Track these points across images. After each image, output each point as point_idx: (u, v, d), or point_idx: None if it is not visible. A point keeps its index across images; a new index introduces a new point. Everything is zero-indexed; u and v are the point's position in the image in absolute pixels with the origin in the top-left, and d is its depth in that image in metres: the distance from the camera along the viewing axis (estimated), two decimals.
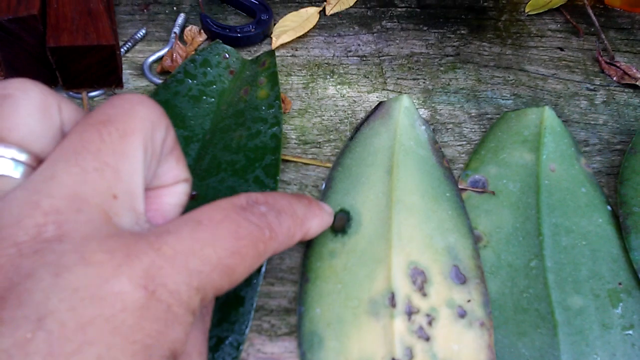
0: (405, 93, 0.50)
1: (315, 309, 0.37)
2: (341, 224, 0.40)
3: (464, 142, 0.48)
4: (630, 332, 0.38)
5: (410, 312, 0.36)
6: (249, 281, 0.37)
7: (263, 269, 0.37)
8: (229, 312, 0.36)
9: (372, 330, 0.35)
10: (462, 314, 0.36)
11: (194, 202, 0.40)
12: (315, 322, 0.36)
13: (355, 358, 0.34)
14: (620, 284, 0.40)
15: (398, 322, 0.35)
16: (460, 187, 0.44)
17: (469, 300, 0.37)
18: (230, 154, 0.42)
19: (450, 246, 0.39)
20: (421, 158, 0.42)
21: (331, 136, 0.47)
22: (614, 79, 0.53)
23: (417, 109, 0.46)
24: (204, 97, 0.46)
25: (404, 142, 0.42)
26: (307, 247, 0.40)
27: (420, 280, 0.37)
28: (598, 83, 0.53)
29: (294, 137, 0.47)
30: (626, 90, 0.53)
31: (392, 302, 0.36)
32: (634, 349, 0.37)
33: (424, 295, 0.36)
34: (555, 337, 0.37)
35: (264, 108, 0.44)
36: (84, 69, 0.45)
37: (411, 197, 0.40)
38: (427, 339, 0.35)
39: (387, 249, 0.37)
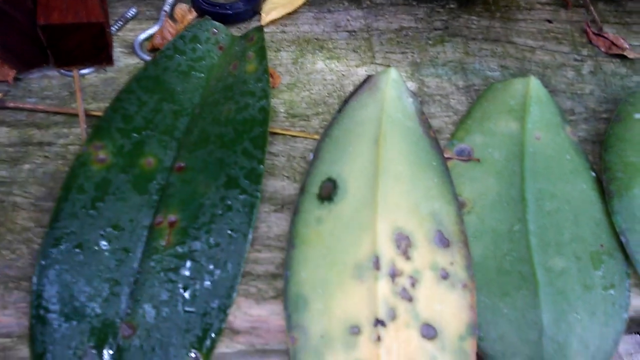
0: (394, 66, 0.51)
1: (301, 273, 0.38)
2: (327, 192, 0.41)
3: (451, 113, 0.48)
4: (612, 291, 0.38)
5: (394, 275, 0.36)
6: (232, 249, 0.38)
7: (250, 237, 0.38)
8: (215, 278, 0.37)
9: (357, 292, 0.36)
10: (445, 276, 0.37)
11: (182, 173, 0.41)
12: (301, 285, 0.37)
13: (339, 318, 0.35)
14: (602, 246, 0.40)
15: (382, 284, 0.36)
16: (446, 156, 0.44)
17: (452, 263, 0.37)
18: (219, 126, 0.43)
19: (434, 212, 0.39)
20: (408, 129, 0.43)
21: (319, 109, 0.48)
22: (602, 49, 0.53)
23: (404, 81, 0.46)
24: (193, 73, 0.47)
25: (391, 114, 0.43)
26: (294, 214, 0.40)
27: (404, 244, 0.37)
28: (585, 54, 0.53)
29: (282, 110, 0.47)
30: (614, 60, 0.53)
31: (377, 266, 0.36)
32: (614, 307, 0.38)
33: (408, 258, 0.37)
34: (536, 297, 0.37)
35: (252, 82, 0.45)
36: (74, 47, 0.46)
37: (397, 166, 0.41)
38: (410, 299, 0.36)
39: (373, 215, 0.38)
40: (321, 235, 0.39)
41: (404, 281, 0.36)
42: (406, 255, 0.37)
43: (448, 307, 0.36)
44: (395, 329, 0.35)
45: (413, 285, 0.36)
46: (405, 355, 0.34)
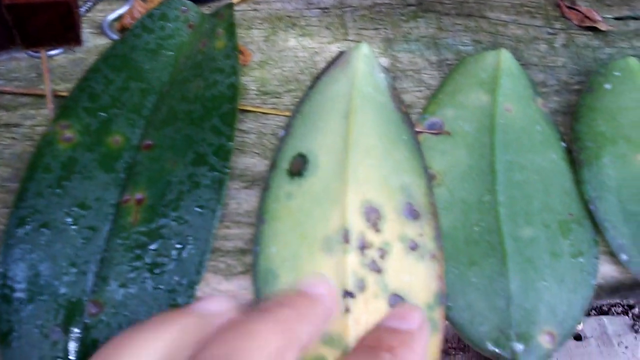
0: (365, 42, 0.51)
1: (270, 248, 0.38)
2: (298, 168, 0.40)
3: (423, 88, 0.48)
4: (580, 259, 0.39)
5: (363, 247, 0.36)
6: (200, 225, 0.37)
7: (218, 213, 0.38)
8: (183, 254, 0.37)
9: (326, 265, 0.36)
10: (414, 247, 0.37)
11: (150, 151, 0.41)
12: (270, 260, 0.37)
13: None
14: (571, 215, 0.40)
15: (351, 257, 0.36)
16: (417, 130, 0.44)
17: (421, 235, 0.37)
18: (187, 104, 0.43)
19: (404, 185, 0.39)
20: (379, 103, 0.42)
21: (291, 86, 0.47)
22: (575, 22, 0.53)
23: (376, 57, 0.46)
24: (162, 51, 0.46)
25: (362, 89, 0.42)
26: (264, 190, 0.40)
27: (374, 217, 0.37)
28: (558, 27, 0.53)
29: (253, 88, 0.47)
30: (586, 33, 0.53)
31: (346, 239, 0.36)
32: (583, 274, 0.38)
33: (378, 231, 0.37)
34: (504, 266, 0.38)
35: (221, 59, 0.44)
36: (41, 27, 0.45)
37: (368, 140, 0.40)
38: (379, 271, 0.36)
39: (343, 188, 0.38)
40: (291, 210, 0.39)
41: (373, 253, 0.36)
42: (376, 228, 0.37)
43: (417, 277, 0.36)
44: (364, 300, 0.35)
45: (382, 257, 0.36)
46: (373, 325, 0.34)
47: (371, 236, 0.37)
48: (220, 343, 0.23)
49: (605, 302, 1.03)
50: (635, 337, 0.98)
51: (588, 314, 1.03)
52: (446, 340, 1.05)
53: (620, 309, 1.04)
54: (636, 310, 1.03)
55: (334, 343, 0.34)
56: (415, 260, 0.37)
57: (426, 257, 0.37)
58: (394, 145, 0.41)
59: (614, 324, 1.00)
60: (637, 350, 0.97)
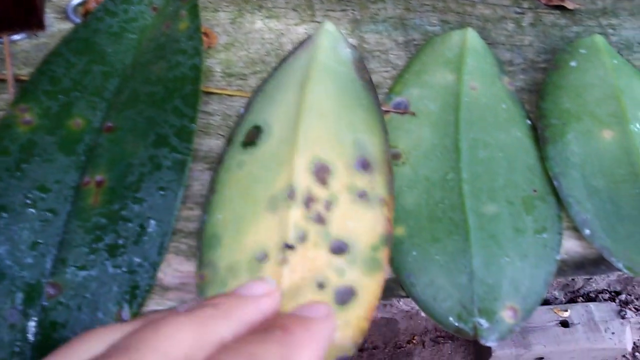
0: (334, 24, 0.50)
1: (217, 215, 0.37)
2: (252, 138, 0.40)
3: (390, 68, 0.48)
4: (544, 235, 0.39)
5: (308, 201, 0.36)
6: (162, 206, 0.37)
7: (180, 195, 0.38)
8: (144, 236, 0.36)
9: (269, 223, 0.36)
10: (362, 195, 0.37)
11: (111, 133, 0.40)
12: (215, 226, 0.37)
13: (248, 249, 0.35)
14: (535, 191, 0.40)
15: (294, 211, 0.35)
16: (383, 109, 0.44)
17: (371, 183, 0.37)
18: (150, 86, 0.42)
19: (358, 141, 0.39)
20: (339, 73, 0.42)
21: (257, 68, 0.47)
22: (542, 1, 0.53)
23: (342, 33, 0.46)
24: (126, 34, 0.46)
25: (322, 60, 0.42)
26: (218, 164, 0.40)
27: (323, 173, 0.37)
28: (526, 6, 0.53)
29: (219, 70, 0.47)
30: (554, 12, 0.53)
31: (292, 196, 0.36)
32: (546, 250, 0.38)
33: (325, 185, 0.36)
34: (467, 242, 0.37)
35: (184, 40, 0.44)
36: (1, 11, 0.45)
37: (322, 105, 0.40)
38: (323, 221, 0.35)
39: (292, 150, 0.37)
40: (240, 177, 0.38)
41: (318, 207, 0.36)
42: (323, 183, 0.37)
43: (362, 223, 0.36)
44: (304, 250, 0.34)
45: (327, 208, 0.36)
46: (310, 271, 0.34)
47: (317, 191, 0.36)
48: (129, 339, 0.24)
49: (592, 288, 1.03)
50: (622, 323, 0.98)
51: (575, 301, 1.03)
52: (435, 329, 1.06)
53: (607, 296, 1.04)
54: (623, 297, 1.03)
55: None
56: (363, 207, 0.36)
57: (374, 203, 0.36)
58: (350, 109, 0.40)
59: (600, 310, 1.00)
60: (624, 336, 0.97)
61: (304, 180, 0.36)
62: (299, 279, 0.34)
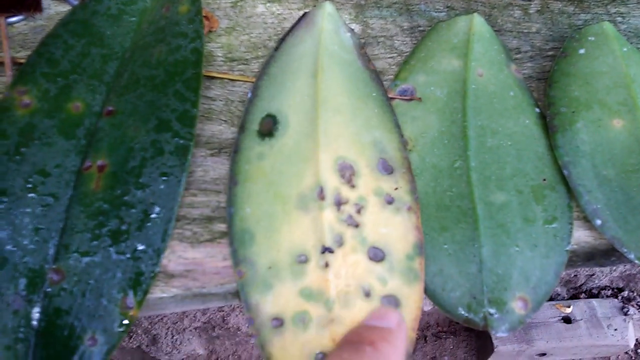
0: (338, 9, 0.49)
1: (245, 208, 0.37)
2: (268, 128, 0.39)
3: (395, 54, 0.47)
4: (554, 224, 0.38)
5: (339, 203, 0.36)
6: (165, 192, 0.36)
7: (183, 180, 0.37)
8: (147, 222, 0.36)
9: (302, 223, 0.35)
10: (390, 201, 0.36)
11: (112, 117, 0.39)
12: (245, 220, 0.36)
13: (286, 249, 0.34)
14: (544, 180, 0.40)
15: (327, 213, 0.35)
16: (389, 96, 0.43)
17: (396, 188, 0.37)
18: (150, 69, 0.41)
19: (376, 140, 0.38)
20: (346, 61, 0.41)
21: (259, 52, 0.46)
22: None
23: (341, 16, 0.45)
24: (125, 16, 0.45)
25: (328, 47, 0.41)
26: (235, 152, 0.39)
27: (348, 173, 0.37)
28: None
29: (220, 55, 0.46)
30: None
31: (321, 195, 0.35)
32: (556, 240, 0.37)
33: (353, 186, 0.36)
34: (476, 231, 0.37)
35: (184, 23, 0.43)
36: None
37: (337, 97, 0.39)
38: (357, 225, 0.35)
39: (315, 146, 0.37)
40: (264, 170, 0.38)
41: (349, 208, 0.36)
42: (351, 184, 0.36)
43: (394, 229, 0.35)
44: (343, 255, 0.34)
45: (359, 211, 0.36)
46: (354, 277, 0.34)
47: (346, 192, 0.36)
48: None
49: (594, 285, 1.03)
50: (625, 320, 0.98)
51: (577, 297, 1.03)
52: (437, 324, 1.06)
53: (609, 292, 1.04)
54: (625, 293, 1.03)
55: (315, 297, 0.34)
56: (392, 213, 0.36)
57: (402, 209, 0.36)
58: (363, 102, 0.40)
59: (603, 306, 1.00)
60: (627, 332, 0.97)
61: (331, 179, 0.36)
62: (345, 286, 0.33)
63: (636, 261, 0.37)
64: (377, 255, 0.35)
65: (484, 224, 0.37)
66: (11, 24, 0.46)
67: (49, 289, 0.34)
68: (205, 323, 0.94)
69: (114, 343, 0.33)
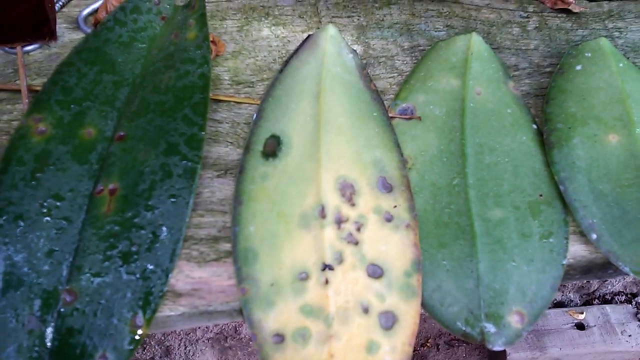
0: (340, 31, 0.51)
1: (249, 227, 0.38)
2: (272, 149, 0.41)
3: (395, 74, 0.48)
4: (550, 239, 0.39)
5: (339, 221, 0.37)
6: (173, 214, 0.38)
7: (191, 202, 0.38)
8: (156, 243, 0.37)
9: (304, 241, 0.36)
10: (389, 219, 0.38)
11: (123, 142, 0.41)
12: (249, 239, 0.38)
13: (288, 266, 0.36)
14: (541, 195, 0.41)
15: (328, 231, 0.36)
16: (389, 115, 0.44)
17: (395, 206, 0.38)
18: (159, 95, 0.43)
19: (377, 160, 0.40)
20: (348, 82, 0.43)
21: (264, 75, 0.48)
22: (547, 5, 0.53)
23: (343, 38, 0.46)
24: (135, 43, 0.47)
25: (331, 69, 0.43)
26: (240, 173, 0.41)
27: (349, 192, 0.38)
28: (531, 10, 0.53)
29: (227, 78, 0.47)
30: (559, 15, 0.53)
31: (322, 214, 0.37)
32: (552, 255, 0.38)
33: (353, 205, 0.38)
34: (473, 247, 0.38)
35: (192, 49, 0.45)
36: (14, 21, 0.46)
37: (339, 118, 0.41)
38: (356, 243, 0.36)
39: (317, 167, 0.38)
40: (267, 190, 0.39)
41: (349, 226, 0.37)
42: (351, 202, 0.38)
43: (393, 247, 0.37)
44: (343, 272, 0.36)
45: (359, 229, 0.37)
46: (353, 294, 0.35)
47: (347, 210, 0.37)
48: None
49: (608, 290, 1.03)
50: (639, 326, 0.98)
51: (590, 303, 1.03)
52: (449, 332, 1.06)
53: (623, 298, 1.04)
54: (639, 299, 1.03)
55: (315, 314, 0.35)
56: (391, 231, 0.37)
57: (401, 227, 0.37)
58: (364, 122, 0.42)
59: (617, 312, 1.00)
60: None
61: (332, 199, 0.37)
62: (344, 302, 0.35)
63: (632, 274, 0.38)
64: (375, 272, 0.36)
65: (482, 240, 0.38)
66: (27, 52, 0.48)
67: (62, 309, 0.35)
68: (217, 334, 0.96)
69: None
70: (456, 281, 0.37)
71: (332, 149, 0.39)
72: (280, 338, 0.34)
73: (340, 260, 0.36)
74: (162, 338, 0.94)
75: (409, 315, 0.35)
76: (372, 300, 0.35)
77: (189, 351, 0.97)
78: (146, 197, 0.38)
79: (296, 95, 0.43)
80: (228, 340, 0.98)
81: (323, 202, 0.37)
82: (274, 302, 0.35)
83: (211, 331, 0.95)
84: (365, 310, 0.35)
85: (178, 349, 0.96)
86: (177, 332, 0.93)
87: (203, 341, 0.97)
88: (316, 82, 0.42)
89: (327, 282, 0.35)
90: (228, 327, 0.96)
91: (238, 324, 0.96)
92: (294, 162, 0.40)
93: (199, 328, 0.94)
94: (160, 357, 0.97)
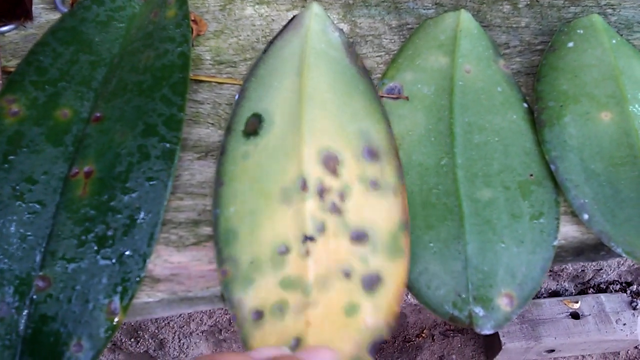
0: (326, 9, 0.49)
1: (229, 208, 0.37)
2: (253, 127, 0.39)
3: (383, 53, 0.47)
4: (541, 220, 0.38)
5: (322, 192, 0.36)
6: (151, 197, 0.37)
7: (170, 184, 0.37)
8: (133, 227, 0.36)
9: (285, 216, 0.35)
10: (375, 185, 0.36)
11: (99, 123, 0.40)
12: (230, 220, 0.36)
13: (268, 242, 0.35)
14: (531, 175, 0.39)
15: (309, 203, 0.35)
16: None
17: (381, 173, 0.37)
18: (137, 74, 0.41)
19: (363, 131, 0.38)
20: (333, 59, 0.41)
21: (247, 55, 0.46)
22: None
23: (329, 16, 0.45)
24: (113, 22, 0.45)
25: (315, 46, 0.41)
26: (221, 154, 0.39)
27: (332, 163, 0.37)
28: None
29: (208, 58, 0.46)
30: None
31: (304, 187, 0.36)
32: (543, 235, 0.37)
33: (337, 175, 0.36)
34: (461, 228, 0.37)
35: (171, 27, 0.43)
36: None
37: (323, 94, 0.39)
38: (340, 212, 0.35)
39: (298, 140, 0.37)
40: (248, 169, 0.38)
41: (333, 197, 0.36)
42: (335, 173, 0.36)
43: (379, 212, 0.36)
44: (325, 241, 0.34)
45: (342, 199, 0.36)
46: (335, 261, 0.34)
47: (330, 181, 0.36)
48: None
49: (602, 279, 1.02)
50: (633, 314, 0.97)
51: (585, 292, 1.02)
52: (444, 322, 1.05)
53: (618, 287, 1.03)
54: (634, 287, 1.02)
55: (294, 285, 0.34)
56: (377, 197, 0.36)
57: (388, 192, 0.36)
58: (350, 97, 0.40)
59: (611, 301, 0.99)
60: (636, 327, 0.96)
61: (314, 171, 0.36)
62: (325, 270, 0.34)
63: (624, 255, 0.36)
64: (359, 237, 0.35)
65: (470, 221, 0.37)
66: (2, 33, 0.47)
67: (35, 296, 0.34)
68: (212, 326, 0.95)
69: (100, 348, 0.33)
70: (443, 263, 0.36)
71: (315, 123, 0.38)
72: (259, 314, 0.33)
73: (322, 230, 0.34)
74: (156, 331, 0.93)
75: (396, 274, 0.34)
76: (355, 264, 0.34)
77: (183, 344, 0.96)
78: (123, 180, 0.37)
79: (279, 73, 0.41)
80: (222, 333, 0.97)
81: (304, 175, 0.36)
82: (253, 280, 0.34)
83: (205, 324, 0.94)
84: (347, 275, 0.34)
85: (172, 342, 0.95)
86: (170, 325, 0.92)
87: (197, 334, 0.96)
88: (300, 58, 0.41)
89: (307, 253, 0.34)
90: (222, 319, 0.95)
91: (233, 316, 0.95)
92: (275, 138, 0.38)
93: (193, 321, 0.93)
94: (155, 350, 0.96)
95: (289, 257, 0.34)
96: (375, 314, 0.33)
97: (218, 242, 0.36)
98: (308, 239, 0.34)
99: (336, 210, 0.35)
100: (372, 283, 0.34)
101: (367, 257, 0.35)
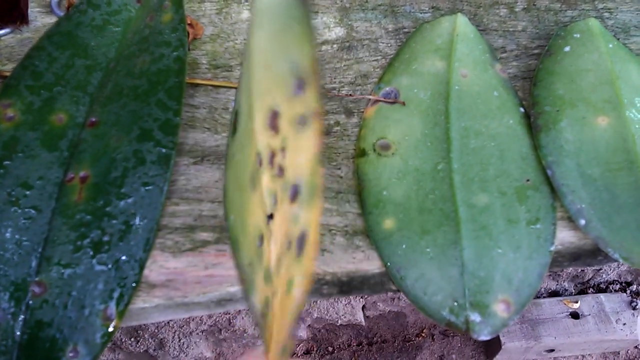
0: (322, 13, 0.49)
1: (230, 216, 0.36)
2: (234, 125, 0.38)
3: (379, 57, 0.47)
4: (537, 225, 0.38)
5: (272, 158, 0.33)
6: (147, 202, 0.36)
7: (165, 189, 0.37)
8: (129, 232, 0.36)
9: (254, 203, 0.34)
10: (302, 121, 0.32)
11: (95, 128, 0.39)
12: (233, 229, 0.36)
13: (253, 239, 0.34)
14: (528, 180, 0.39)
15: (265, 178, 0.33)
16: (373, 99, 0.43)
17: (306, 104, 0.34)
18: (133, 79, 0.41)
19: (293, 63, 0.34)
20: (279, 15, 0.38)
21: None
22: None
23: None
24: (109, 27, 0.45)
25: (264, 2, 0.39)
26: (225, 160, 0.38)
27: (275, 120, 0.33)
28: None
29: (204, 62, 0.46)
30: None
31: (260, 163, 0.34)
32: (539, 241, 0.37)
33: (277, 131, 0.33)
34: (458, 233, 0.37)
35: (167, 31, 0.43)
36: None
37: (266, 53, 0.36)
38: (282, 171, 0.32)
39: (250, 116, 0.35)
40: (233, 169, 0.37)
41: (278, 159, 0.33)
42: (276, 129, 0.33)
43: (304, 150, 0.32)
44: (278, 214, 0.32)
45: (284, 155, 0.33)
46: (284, 235, 0.32)
47: (274, 141, 0.33)
48: None
49: (602, 279, 1.02)
50: (633, 314, 0.97)
51: (585, 292, 1.03)
52: None
53: (618, 286, 1.03)
54: (634, 287, 1.02)
55: (268, 277, 0.32)
56: (303, 132, 0.32)
57: (309, 120, 0.32)
58: (286, 39, 0.36)
59: (611, 301, 0.99)
60: (635, 327, 0.96)
61: (263, 138, 0.33)
62: (279, 249, 0.31)
63: (621, 260, 0.36)
64: (294, 194, 0.31)
65: (466, 226, 0.37)
66: None
67: (31, 302, 0.34)
68: (211, 326, 0.94)
69: (96, 354, 0.33)
70: (440, 269, 0.36)
71: (260, 88, 0.35)
72: (263, 316, 0.33)
73: (275, 201, 0.33)
74: (156, 331, 0.92)
75: (313, 223, 0.30)
76: (292, 230, 0.31)
77: (183, 343, 0.96)
78: (118, 185, 0.37)
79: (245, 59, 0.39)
80: (222, 333, 0.97)
81: (259, 149, 0.34)
82: (253, 281, 0.34)
83: (205, 323, 0.94)
84: (289, 246, 0.32)
85: (172, 342, 0.95)
86: (170, 325, 0.92)
87: (197, 333, 0.96)
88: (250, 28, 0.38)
89: (271, 235, 0.32)
90: (222, 319, 0.94)
91: (232, 315, 0.95)
92: (241, 127, 0.37)
93: (193, 320, 0.93)
94: (154, 350, 0.96)
95: (264, 247, 0.33)
96: (301, 283, 0.30)
97: (233, 254, 0.35)
98: (269, 218, 0.32)
99: (281, 171, 0.32)
100: (302, 245, 0.30)
101: (298, 215, 0.31)
